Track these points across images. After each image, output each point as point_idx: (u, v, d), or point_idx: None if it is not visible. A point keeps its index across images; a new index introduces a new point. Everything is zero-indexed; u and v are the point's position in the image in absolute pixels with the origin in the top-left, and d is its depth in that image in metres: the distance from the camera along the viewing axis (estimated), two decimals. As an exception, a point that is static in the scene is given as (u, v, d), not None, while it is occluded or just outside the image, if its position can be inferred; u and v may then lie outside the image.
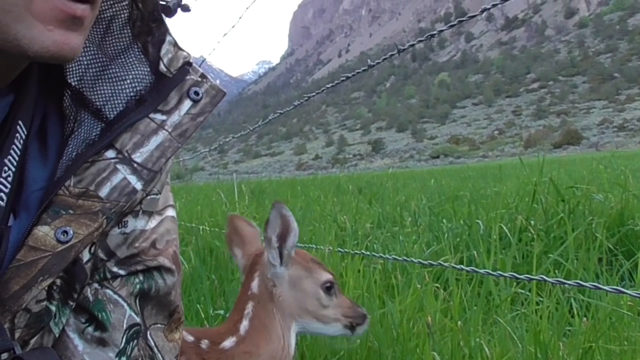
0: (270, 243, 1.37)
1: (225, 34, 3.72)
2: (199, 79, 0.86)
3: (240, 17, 3.34)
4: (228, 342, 1.29)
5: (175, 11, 0.92)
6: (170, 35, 0.86)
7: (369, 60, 1.75)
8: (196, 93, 0.85)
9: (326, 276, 1.40)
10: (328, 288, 1.39)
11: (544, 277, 1.38)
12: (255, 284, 1.41)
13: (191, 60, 0.88)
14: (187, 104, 0.85)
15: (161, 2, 0.87)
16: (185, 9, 0.96)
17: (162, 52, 0.85)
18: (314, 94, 2.54)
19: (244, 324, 1.31)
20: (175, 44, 0.86)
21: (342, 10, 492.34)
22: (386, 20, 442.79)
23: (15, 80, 0.79)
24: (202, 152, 8.80)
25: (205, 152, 8.12)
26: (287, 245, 1.37)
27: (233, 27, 3.42)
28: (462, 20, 1.42)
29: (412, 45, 1.63)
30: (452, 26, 1.47)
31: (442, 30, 1.51)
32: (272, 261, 1.38)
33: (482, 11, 1.35)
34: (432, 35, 1.57)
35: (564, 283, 1.32)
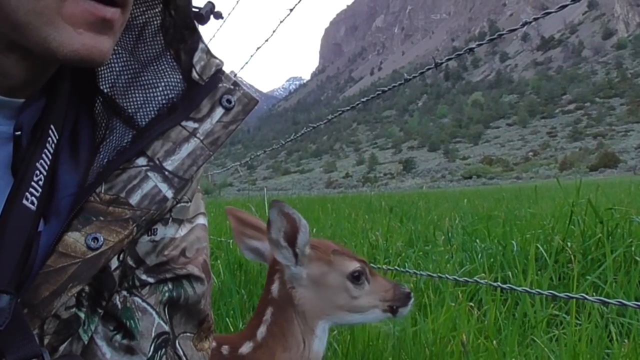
0: (277, 244, 1.29)
1: (258, 48, 3.74)
2: (232, 87, 0.86)
3: (274, 31, 3.36)
4: (245, 348, 1.28)
5: (208, 18, 0.90)
6: (203, 43, 0.86)
7: (405, 74, 1.75)
8: (228, 101, 0.85)
9: (351, 266, 1.33)
10: (356, 277, 1.32)
11: (585, 295, 1.34)
12: (275, 288, 1.36)
13: (224, 68, 0.87)
14: (219, 111, 0.84)
15: (194, 9, 0.87)
16: (218, 16, 0.94)
17: (195, 59, 0.85)
18: (347, 108, 2.54)
19: (261, 330, 1.29)
20: (208, 52, 0.86)
21: (375, 27, 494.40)
22: (419, 38, 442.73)
23: (47, 85, 0.80)
24: (231, 167, 8.87)
25: (235, 166, 8.19)
26: (299, 244, 1.30)
27: (267, 40, 3.44)
28: (502, 35, 1.41)
29: (450, 59, 1.62)
30: (491, 40, 1.46)
31: (480, 44, 1.50)
32: (285, 262, 1.32)
33: (523, 24, 1.34)
34: (471, 50, 1.56)
35: (606, 302, 1.27)
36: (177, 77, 0.84)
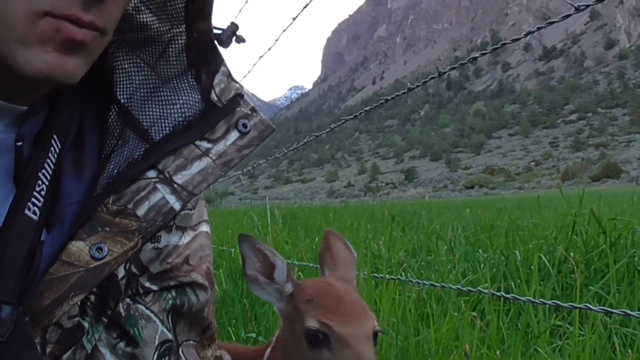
0: (254, 280, 1.17)
1: (261, 56, 3.76)
2: (249, 112, 0.86)
3: (277, 40, 3.38)
4: None
5: (230, 42, 0.91)
6: (225, 66, 0.87)
7: (408, 83, 1.75)
8: (244, 125, 0.85)
9: (309, 323, 1.05)
10: (313, 338, 1.04)
11: (589, 305, 1.33)
12: None
13: (243, 92, 0.88)
14: (234, 134, 0.85)
15: (216, 31, 0.88)
16: (240, 40, 0.95)
17: (215, 81, 0.85)
18: (349, 117, 2.54)
19: (268, 351, 1.24)
20: (229, 75, 0.87)
21: (377, 37, 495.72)
22: (421, 48, 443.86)
23: (50, 94, 0.80)
24: (233, 175, 8.87)
25: (236, 175, 8.18)
26: (276, 281, 1.16)
27: (269, 49, 3.46)
28: (506, 44, 1.41)
29: (453, 68, 1.62)
30: (495, 49, 1.46)
31: (484, 53, 1.50)
32: (266, 298, 1.19)
33: (527, 34, 1.34)
34: (475, 59, 1.56)
35: (610, 312, 1.26)
36: (196, 96, 0.85)
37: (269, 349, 1.24)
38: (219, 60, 0.87)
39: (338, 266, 1.25)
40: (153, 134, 0.82)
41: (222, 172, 0.84)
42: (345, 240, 1.29)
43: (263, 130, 0.87)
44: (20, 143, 0.74)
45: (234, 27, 0.91)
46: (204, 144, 0.83)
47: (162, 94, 0.84)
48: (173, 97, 0.84)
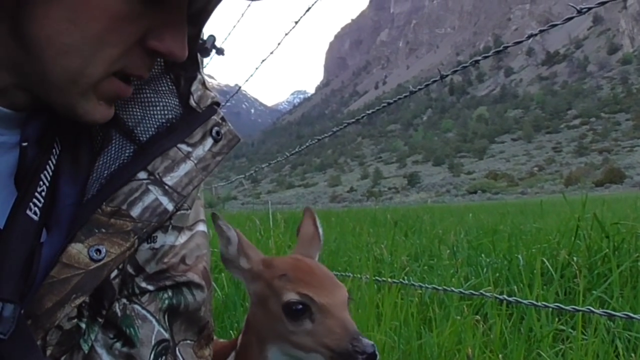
0: (223, 260, 1.17)
1: (263, 60, 3.76)
2: (220, 121, 0.89)
3: (279, 43, 3.38)
4: (230, 358, 1.25)
5: (211, 51, 0.95)
6: (201, 74, 0.89)
7: (410, 87, 1.75)
8: (217, 133, 0.88)
9: (287, 296, 1.05)
10: (294, 310, 1.04)
11: (591, 308, 1.33)
12: None
13: (219, 101, 0.91)
14: (209, 141, 0.87)
15: (200, 41, 0.90)
16: (220, 52, 1.01)
17: (193, 88, 0.88)
18: (352, 120, 2.54)
19: (240, 338, 1.22)
20: (204, 83, 0.89)
21: (379, 41, 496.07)
22: (424, 52, 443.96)
23: None
24: (235, 180, 8.89)
25: (239, 179, 8.20)
26: (231, 257, 1.16)
27: (272, 53, 3.46)
28: (508, 47, 1.42)
29: (456, 71, 1.62)
30: (497, 52, 1.47)
31: (487, 56, 1.51)
32: (237, 276, 1.19)
33: (529, 37, 1.34)
34: (477, 62, 1.57)
35: (613, 315, 1.26)
36: (175, 100, 0.87)
37: (241, 336, 1.23)
38: (196, 68, 0.89)
39: (301, 243, 1.26)
40: (139, 135, 0.84)
41: (203, 177, 0.86)
42: (315, 219, 1.29)
43: (231, 140, 0.90)
44: (25, 144, 0.75)
45: (213, 38, 0.95)
46: (184, 147, 0.85)
47: (143, 95, 0.86)
48: (154, 99, 0.86)
